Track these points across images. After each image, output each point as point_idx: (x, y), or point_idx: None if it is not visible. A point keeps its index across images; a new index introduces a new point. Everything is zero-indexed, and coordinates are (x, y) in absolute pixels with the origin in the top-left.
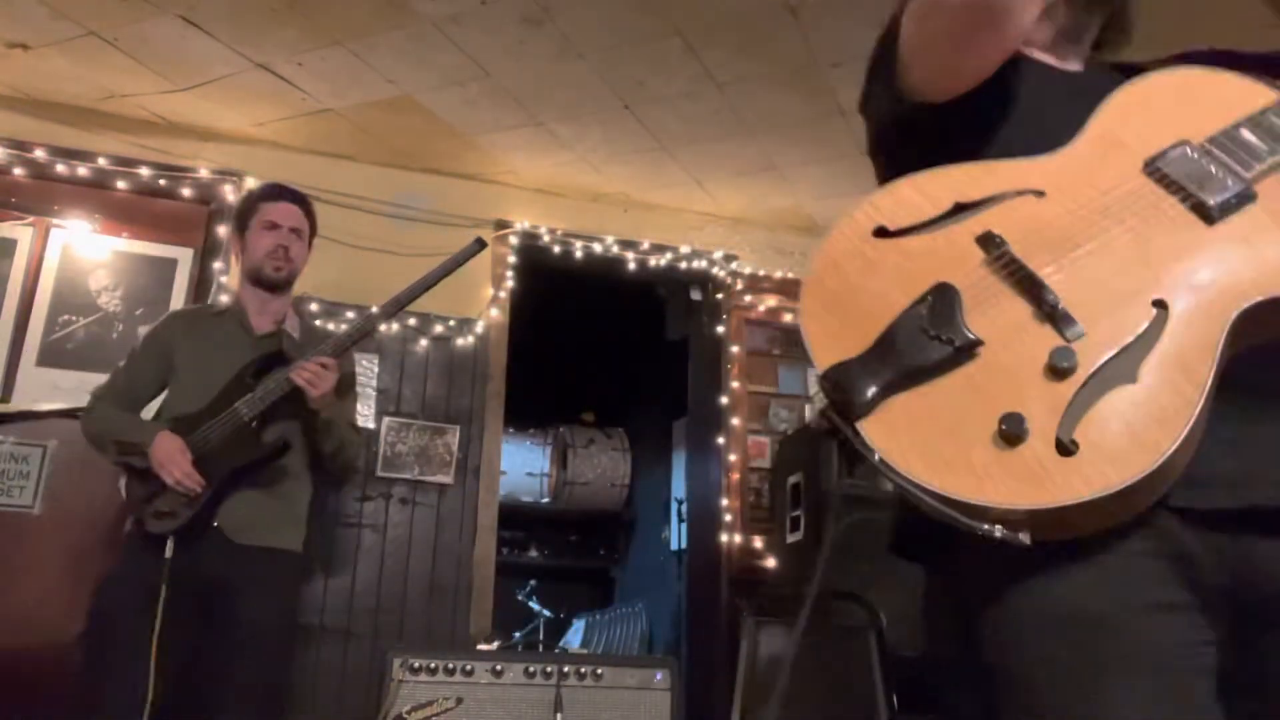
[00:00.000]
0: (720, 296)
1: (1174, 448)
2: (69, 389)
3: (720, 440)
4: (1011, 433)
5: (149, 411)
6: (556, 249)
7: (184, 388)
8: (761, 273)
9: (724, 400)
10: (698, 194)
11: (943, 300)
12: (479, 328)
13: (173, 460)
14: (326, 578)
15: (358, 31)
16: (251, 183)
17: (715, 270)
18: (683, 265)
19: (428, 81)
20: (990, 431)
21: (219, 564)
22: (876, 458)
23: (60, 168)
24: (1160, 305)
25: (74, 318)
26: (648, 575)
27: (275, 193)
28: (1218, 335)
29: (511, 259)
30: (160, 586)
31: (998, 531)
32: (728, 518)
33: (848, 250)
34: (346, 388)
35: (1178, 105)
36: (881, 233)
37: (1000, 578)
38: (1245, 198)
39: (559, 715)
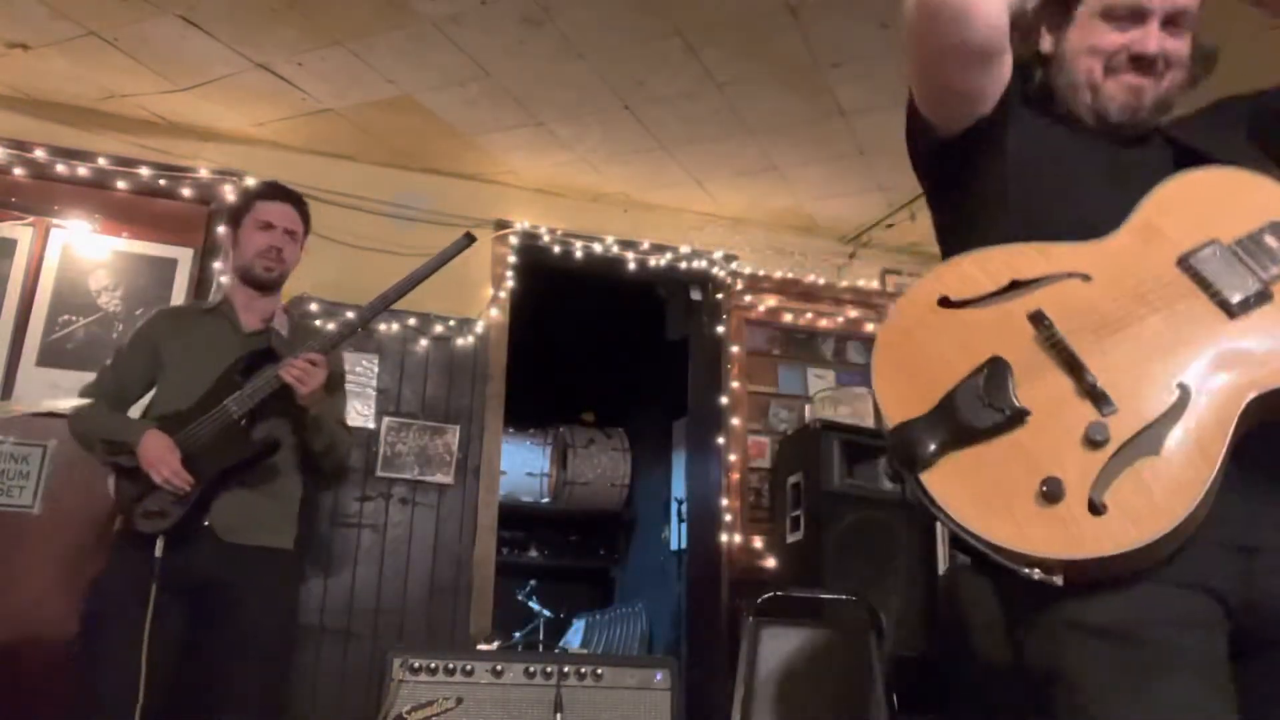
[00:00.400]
0: (720, 296)
1: (1188, 514)
2: (69, 389)
3: (720, 440)
4: (1051, 493)
5: (136, 410)
6: (556, 249)
7: (172, 386)
8: (761, 273)
9: (724, 400)
10: (698, 194)
11: (997, 372)
12: (479, 328)
13: (161, 459)
14: (326, 578)
15: (358, 31)
16: (252, 183)
17: (715, 270)
18: (683, 265)
19: (428, 81)
20: (1033, 490)
21: (212, 564)
22: (936, 505)
23: (60, 168)
24: (1183, 388)
25: (74, 318)
26: (648, 575)
27: (272, 192)
28: (1232, 418)
29: (511, 259)
30: (151, 587)
31: (1035, 574)
32: (728, 518)
33: (916, 318)
34: (335, 385)
35: (1214, 204)
36: (945, 303)
37: (1047, 596)
38: (1263, 297)
39: (559, 715)
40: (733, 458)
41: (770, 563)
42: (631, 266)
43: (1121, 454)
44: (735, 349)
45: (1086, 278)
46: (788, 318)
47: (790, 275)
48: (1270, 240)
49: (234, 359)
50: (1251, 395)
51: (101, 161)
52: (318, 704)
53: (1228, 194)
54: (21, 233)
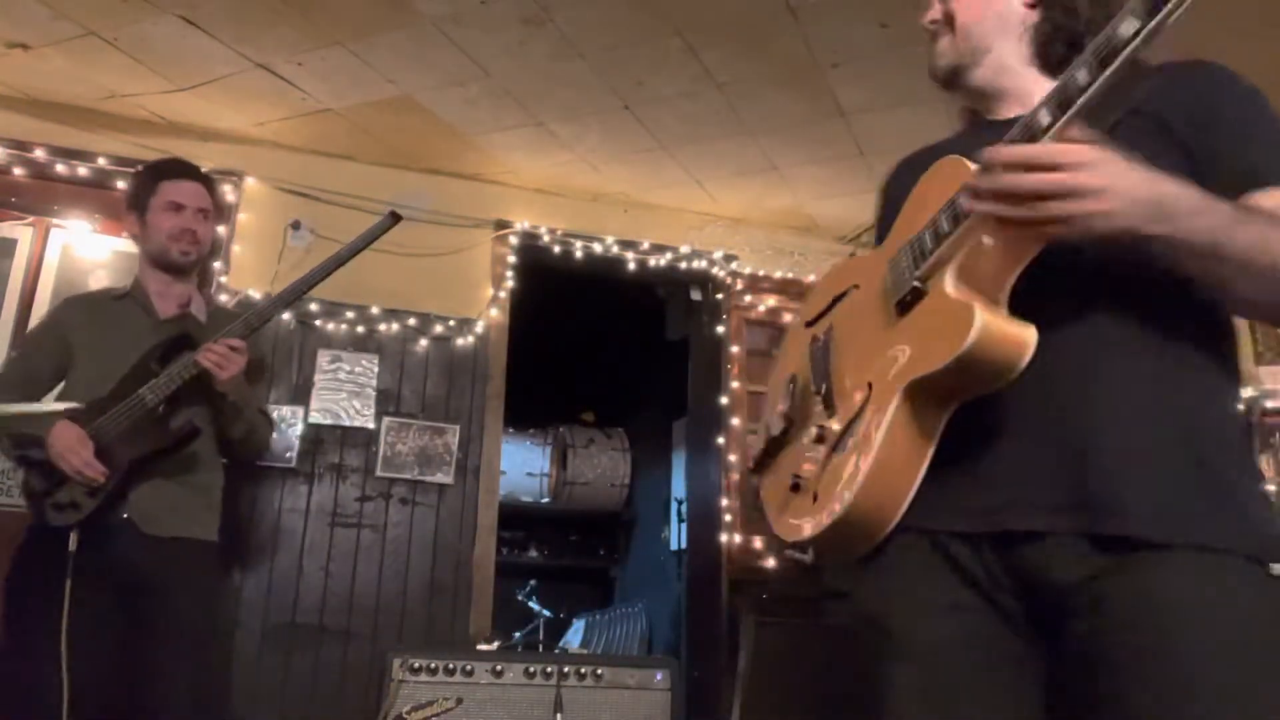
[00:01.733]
0: (720, 296)
1: (853, 501)
2: None
3: (720, 440)
4: (795, 487)
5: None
6: (556, 249)
7: (84, 376)
8: (761, 273)
9: (724, 400)
10: (698, 194)
11: (791, 386)
12: (479, 328)
13: (72, 450)
14: (326, 578)
15: (358, 31)
16: (252, 183)
17: (715, 270)
18: (683, 265)
19: (428, 81)
20: (788, 486)
21: (133, 557)
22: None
23: (60, 168)
24: (870, 387)
25: None
26: (648, 575)
27: (178, 170)
28: (889, 410)
29: (511, 259)
30: (66, 582)
31: (796, 553)
32: (728, 518)
33: (792, 337)
34: (257, 373)
35: (927, 198)
36: (806, 322)
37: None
38: (919, 294)
39: (559, 715)
40: (733, 458)
41: (770, 563)
42: (631, 266)
43: (833, 452)
44: (735, 349)
45: (858, 286)
46: (788, 318)
47: (790, 275)
48: (926, 234)
49: (149, 347)
50: (902, 387)
51: (101, 161)
52: (317, 704)
53: (938, 184)
54: (21, 233)
